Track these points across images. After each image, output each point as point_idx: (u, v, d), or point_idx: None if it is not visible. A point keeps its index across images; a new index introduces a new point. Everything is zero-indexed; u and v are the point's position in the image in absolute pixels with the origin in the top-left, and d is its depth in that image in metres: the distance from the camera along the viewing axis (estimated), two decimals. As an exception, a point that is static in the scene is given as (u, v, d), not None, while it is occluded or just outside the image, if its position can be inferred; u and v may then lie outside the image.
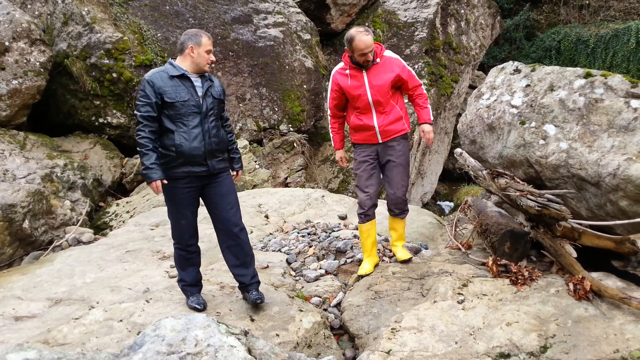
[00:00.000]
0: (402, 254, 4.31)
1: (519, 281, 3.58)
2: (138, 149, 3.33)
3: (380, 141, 4.05)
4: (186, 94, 3.36)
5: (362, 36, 3.82)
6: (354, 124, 4.09)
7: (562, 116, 3.57)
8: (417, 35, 11.16)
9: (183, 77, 3.39)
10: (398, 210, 4.19)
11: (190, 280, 3.64)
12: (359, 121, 4.05)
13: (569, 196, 3.66)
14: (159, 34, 8.70)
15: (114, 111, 8.44)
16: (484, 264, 3.95)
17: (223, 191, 3.57)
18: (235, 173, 3.79)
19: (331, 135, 4.39)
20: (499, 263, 3.81)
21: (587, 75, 3.60)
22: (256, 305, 3.62)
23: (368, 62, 3.90)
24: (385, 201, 4.27)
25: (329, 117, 4.33)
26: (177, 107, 3.33)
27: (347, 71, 4.00)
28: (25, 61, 7.48)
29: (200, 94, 3.42)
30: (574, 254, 3.54)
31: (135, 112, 3.37)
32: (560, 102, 3.59)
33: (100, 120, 8.46)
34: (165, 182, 3.33)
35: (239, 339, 2.50)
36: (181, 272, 3.65)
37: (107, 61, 8.19)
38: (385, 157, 4.08)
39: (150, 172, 3.27)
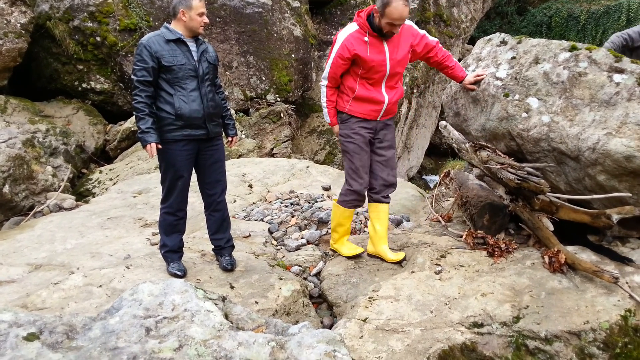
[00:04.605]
0: (395, 254, 3.89)
1: (496, 253, 3.63)
2: (134, 113, 3.36)
3: (379, 119, 3.75)
4: (183, 57, 3.38)
5: (399, 4, 3.32)
6: (361, 95, 3.63)
7: (545, 89, 3.57)
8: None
9: (179, 42, 3.41)
10: (387, 194, 3.91)
11: (172, 246, 3.66)
12: (367, 92, 3.63)
13: (549, 170, 3.69)
14: (144, -2, 8.49)
15: (98, 76, 8.29)
16: (462, 236, 4.00)
17: (217, 158, 3.67)
18: (230, 139, 3.86)
19: (326, 109, 3.77)
20: (474, 235, 3.85)
21: (572, 49, 3.58)
22: (227, 270, 3.73)
23: (393, 33, 3.50)
24: (371, 187, 3.89)
25: (325, 88, 3.72)
26: (175, 71, 3.36)
27: (367, 38, 3.50)
28: (5, 22, 7.27)
29: (196, 58, 3.45)
30: (551, 228, 3.59)
31: (131, 76, 3.38)
32: (544, 75, 3.58)
33: (84, 85, 8.31)
34: (159, 146, 3.37)
35: (216, 304, 2.52)
36: (165, 238, 3.67)
37: (91, 24, 8.01)
38: (379, 136, 3.81)
39: (145, 136, 3.31)
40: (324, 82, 3.73)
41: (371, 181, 3.88)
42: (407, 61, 3.73)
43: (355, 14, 3.62)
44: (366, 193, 3.94)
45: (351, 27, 3.57)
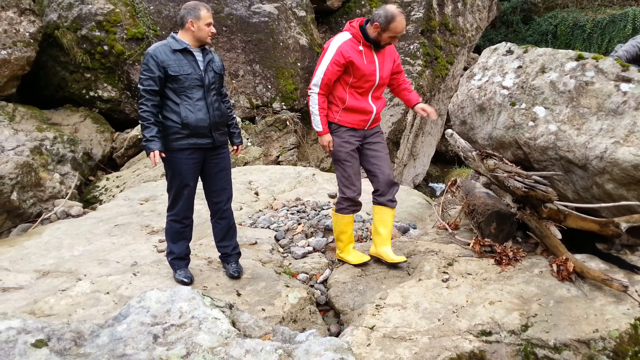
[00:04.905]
0: (396, 255, 3.92)
1: (504, 261, 3.62)
2: (140, 121, 3.40)
3: (367, 128, 3.84)
4: (189, 67, 3.40)
5: (402, 18, 3.54)
6: (352, 105, 3.71)
7: (552, 98, 3.57)
8: (414, 15, 11.05)
9: (185, 51, 3.43)
10: (393, 197, 3.89)
11: (179, 254, 3.67)
12: (357, 102, 3.72)
13: (556, 178, 3.68)
14: (151, 7, 8.57)
15: (105, 84, 8.36)
16: (469, 244, 3.98)
17: (223, 166, 3.67)
18: (235, 147, 3.86)
19: (318, 117, 3.74)
20: (482, 243, 3.84)
21: (579, 58, 3.59)
22: (234, 278, 3.72)
23: (390, 44, 3.69)
24: (375, 189, 3.92)
25: (317, 95, 3.71)
26: (181, 81, 3.38)
27: (361, 47, 3.63)
28: (14, 31, 7.36)
29: (202, 67, 3.47)
30: (559, 236, 3.58)
31: (138, 85, 3.40)
32: (551, 84, 3.59)
33: (91, 93, 8.37)
34: (163, 154, 3.38)
35: (223, 312, 2.52)
36: (171, 245, 3.67)
37: (99, 33, 8.08)
38: (369, 140, 3.89)
39: (150, 144, 3.34)
40: (315, 90, 3.71)
41: (374, 184, 3.92)
42: (390, 74, 3.84)
43: (347, 23, 3.71)
44: (372, 195, 3.97)
45: (344, 36, 3.66)
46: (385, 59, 3.76)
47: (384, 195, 3.87)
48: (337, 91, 3.75)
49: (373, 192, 3.94)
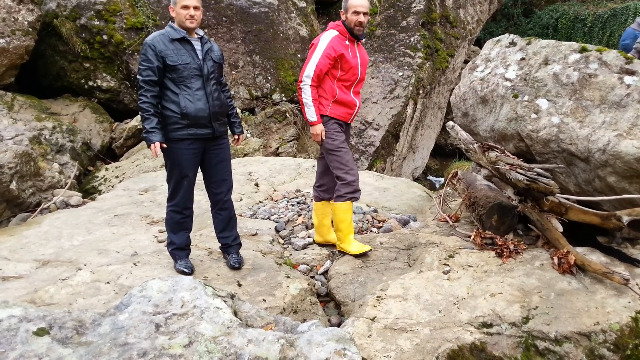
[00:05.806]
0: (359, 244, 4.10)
1: (505, 254, 3.62)
2: (140, 112, 3.36)
3: (349, 122, 4.01)
4: (188, 57, 3.37)
5: None
6: (341, 99, 3.85)
7: (555, 90, 3.56)
8: (415, 7, 11.00)
9: (184, 40, 3.39)
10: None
11: (180, 244, 3.66)
12: (345, 96, 3.87)
13: (558, 171, 3.68)
14: (151, -3, 8.51)
15: (104, 74, 8.31)
16: (470, 236, 3.98)
17: (223, 157, 3.66)
18: (236, 137, 3.85)
19: (313, 107, 3.80)
20: (483, 236, 3.84)
21: (582, 50, 3.57)
22: (234, 268, 3.73)
23: (361, 26, 3.77)
24: (321, 184, 4.16)
25: (310, 87, 3.79)
26: (180, 70, 3.34)
27: (347, 42, 3.81)
28: (12, 20, 7.30)
29: (200, 57, 3.43)
30: (560, 229, 3.57)
31: (137, 76, 3.35)
32: (554, 76, 3.57)
33: (90, 83, 8.33)
34: (164, 145, 3.36)
35: (225, 302, 2.51)
36: (172, 236, 3.66)
37: (98, 22, 8.03)
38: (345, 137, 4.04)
39: (150, 135, 3.31)
40: (307, 81, 3.79)
41: (325, 179, 4.10)
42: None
43: (330, 24, 3.90)
44: (317, 191, 4.18)
45: (331, 33, 3.82)
46: (363, 54, 3.95)
47: (330, 193, 4.08)
48: (326, 85, 3.86)
49: (319, 187, 4.16)
